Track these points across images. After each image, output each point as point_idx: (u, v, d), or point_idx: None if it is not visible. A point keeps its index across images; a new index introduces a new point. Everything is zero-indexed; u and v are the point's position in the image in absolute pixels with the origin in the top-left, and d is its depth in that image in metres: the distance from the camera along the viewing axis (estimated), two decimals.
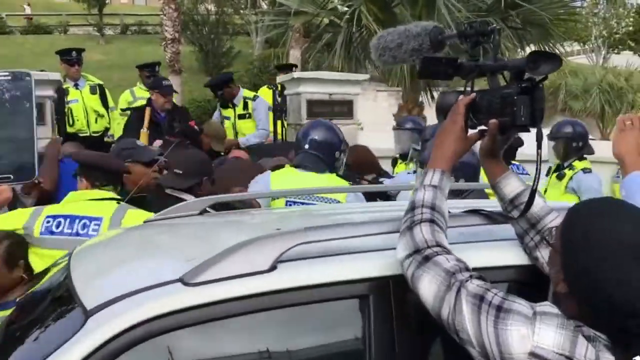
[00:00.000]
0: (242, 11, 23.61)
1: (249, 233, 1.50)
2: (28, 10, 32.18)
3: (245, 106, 5.78)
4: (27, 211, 2.66)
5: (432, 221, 1.29)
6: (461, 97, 1.44)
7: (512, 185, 1.48)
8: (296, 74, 6.15)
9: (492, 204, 1.66)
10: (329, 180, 2.93)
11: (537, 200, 1.45)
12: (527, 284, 1.48)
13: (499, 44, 1.44)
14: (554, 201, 2.87)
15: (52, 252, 2.44)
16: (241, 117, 5.77)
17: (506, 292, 1.17)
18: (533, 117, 1.33)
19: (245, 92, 5.89)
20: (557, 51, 7.99)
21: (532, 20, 7.68)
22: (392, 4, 7.89)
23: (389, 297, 1.35)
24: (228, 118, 5.81)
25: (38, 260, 2.49)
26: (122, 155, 3.19)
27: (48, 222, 2.56)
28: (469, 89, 1.46)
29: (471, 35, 1.46)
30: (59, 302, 1.43)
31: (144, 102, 5.31)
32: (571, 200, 3.67)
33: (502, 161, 1.51)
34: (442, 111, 1.48)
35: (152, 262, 1.55)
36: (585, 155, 4.29)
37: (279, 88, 6.15)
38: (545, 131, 4.48)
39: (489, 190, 2.30)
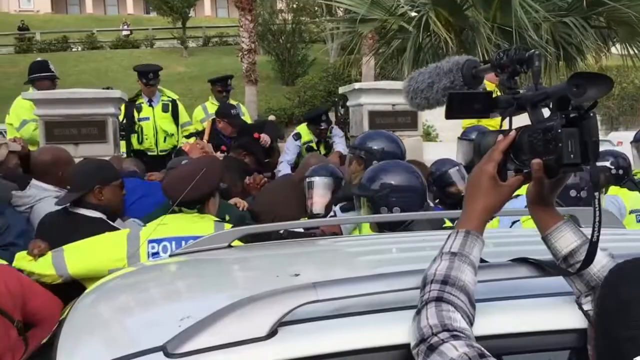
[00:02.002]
0: (317, 19, 23.73)
1: (257, 282, 1.34)
2: (125, 27, 34.00)
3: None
4: (119, 239, 2.56)
5: (439, 299, 1.06)
6: (500, 137, 1.21)
7: (567, 239, 1.21)
8: (357, 84, 5.99)
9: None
10: None
11: (599, 256, 1.17)
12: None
13: (540, 71, 1.20)
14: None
15: None
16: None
17: None
18: (585, 153, 1.08)
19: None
20: None
21: (618, 18, 7.11)
22: (463, 6, 7.55)
23: None
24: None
25: None
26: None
27: (153, 247, 2.50)
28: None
29: (507, 65, 1.23)
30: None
31: None
32: None
33: (553, 209, 1.25)
34: (481, 156, 1.25)
35: (142, 318, 1.42)
36: None
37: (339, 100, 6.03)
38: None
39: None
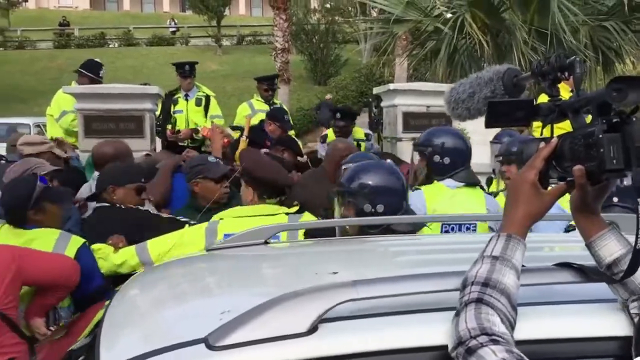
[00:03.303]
0: (351, 19, 23.73)
1: (296, 279, 1.35)
2: (173, 24, 34.51)
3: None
4: (198, 233, 2.63)
5: (479, 301, 1.06)
6: (542, 144, 1.20)
7: (611, 248, 1.20)
8: (392, 85, 5.97)
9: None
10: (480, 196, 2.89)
11: None
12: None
13: (581, 78, 1.19)
14: None
15: None
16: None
17: None
18: (628, 159, 1.06)
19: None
20: None
21: None
22: (500, 9, 7.47)
23: None
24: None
25: None
26: (193, 172, 3.26)
27: None
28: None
29: (549, 72, 1.22)
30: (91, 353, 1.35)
31: (263, 115, 5.41)
32: None
33: (598, 216, 1.23)
34: (524, 164, 1.24)
35: (182, 310, 1.44)
36: None
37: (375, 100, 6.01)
38: None
39: None
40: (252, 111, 6.01)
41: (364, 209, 2.35)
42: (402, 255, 1.92)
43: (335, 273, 1.48)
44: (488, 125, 1.25)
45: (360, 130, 5.47)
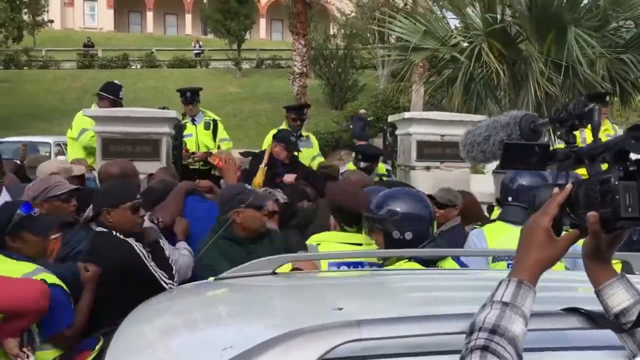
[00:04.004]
0: (369, 45, 23.92)
1: (300, 314, 1.35)
2: (197, 47, 35.00)
3: None
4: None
5: (485, 349, 1.04)
6: (556, 190, 1.19)
7: (619, 297, 1.18)
8: (407, 114, 5.98)
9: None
10: None
11: None
12: None
13: (599, 126, 1.19)
14: None
15: None
16: None
17: None
18: None
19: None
20: None
21: None
22: (517, 39, 7.48)
23: None
24: None
25: None
26: (234, 201, 3.18)
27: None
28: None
29: (566, 119, 1.23)
30: None
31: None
32: None
33: (608, 265, 1.22)
34: (536, 210, 1.23)
35: (184, 343, 1.45)
36: None
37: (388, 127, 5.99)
38: None
39: None
40: None
41: (392, 236, 2.37)
42: (416, 291, 1.91)
43: (340, 309, 1.48)
44: (503, 167, 1.26)
45: (382, 166, 5.45)
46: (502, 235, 2.84)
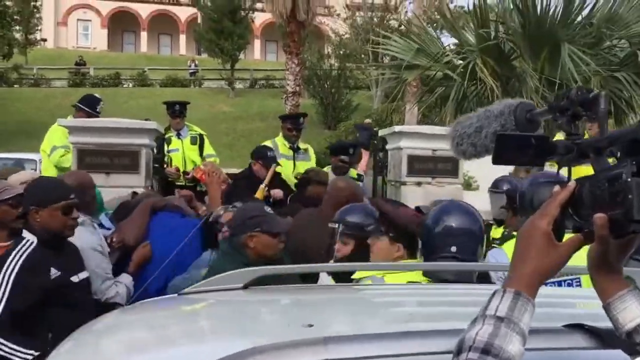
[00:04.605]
0: (363, 65, 24.01)
1: (266, 331, 1.16)
2: (193, 66, 35.14)
3: None
4: None
5: None
6: (556, 188, 1.02)
7: (631, 312, 1.00)
8: (398, 127, 5.81)
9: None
10: None
11: None
12: None
13: (607, 115, 1.02)
14: None
15: None
16: None
17: None
18: None
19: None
20: None
21: None
22: (510, 57, 7.41)
23: None
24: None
25: None
26: (250, 224, 2.86)
27: None
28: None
29: (568, 107, 1.06)
30: None
31: (286, 163, 5.19)
32: None
33: (619, 275, 1.04)
34: (534, 210, 1.06)
35: None
36: None
37: (376, 141, 5.79)
38: None
39: None
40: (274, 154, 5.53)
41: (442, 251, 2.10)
42: (402, 307, 1.72)
43: (310, 326, 1.29)
44: (495, 161, 1.08)
45: (354, 171, 5.23)
46: None
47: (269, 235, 2.84)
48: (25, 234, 2.73)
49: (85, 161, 4.77)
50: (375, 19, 25.61)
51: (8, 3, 23.35)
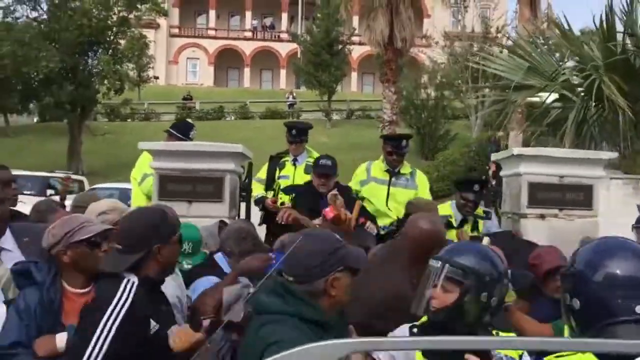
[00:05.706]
0: (463, 88, 23.15)
1: None
2: (291, 98, 36.33)
3: None
4: None
5: None
6: None
7: None
8: (516, 149, 4.94)
9: None
10: None
11: None
12: None
13: None
14: None
15: None
16: None
17: None
18: None
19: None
20: None
21: None
22: None
23: None
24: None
25: None
26: (333, 261, 2.03)
27: None
28: None
29: None
30: None
31: (377, 188, 4.69)
32: None
33: None
34: None
35: None
36: None
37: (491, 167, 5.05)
38: None
39: None
40: (366, 177, 4.87)
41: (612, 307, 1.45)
42: None
43: None
44: None
45: (479, 210, 4.39)
46: None
47: (351, 273, 2.04)
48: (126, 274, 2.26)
49: (167, 189, 4.42)
50: (474, 47, 24.63)
51: (121, 41, 24.64)
